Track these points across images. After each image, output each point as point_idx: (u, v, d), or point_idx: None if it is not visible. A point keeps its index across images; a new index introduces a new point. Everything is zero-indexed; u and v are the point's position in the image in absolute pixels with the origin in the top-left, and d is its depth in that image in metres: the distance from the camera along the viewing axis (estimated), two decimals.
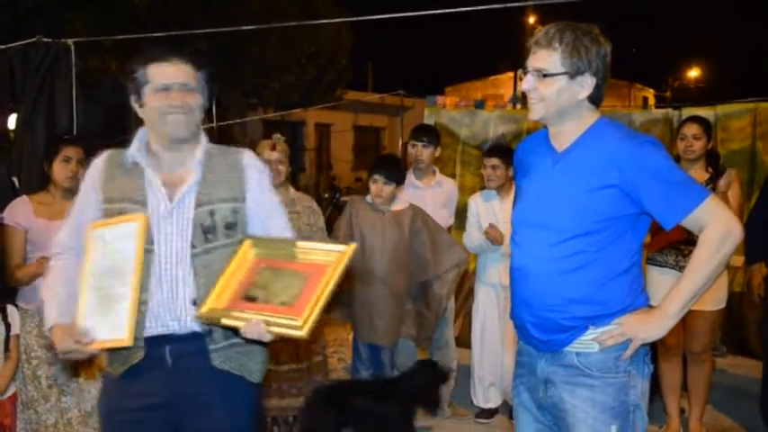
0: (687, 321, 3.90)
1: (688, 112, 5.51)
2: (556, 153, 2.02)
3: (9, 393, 3.18)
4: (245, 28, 5.41)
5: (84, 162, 3.27)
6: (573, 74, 1.92)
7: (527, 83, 1.99)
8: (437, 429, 4.22)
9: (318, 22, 8.06)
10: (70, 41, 3.75)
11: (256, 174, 2.15)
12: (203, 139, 2.14)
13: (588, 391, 1.94)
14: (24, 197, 3.26)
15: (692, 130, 3.81)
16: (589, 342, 1.94)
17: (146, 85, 2.05)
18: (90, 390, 3.26)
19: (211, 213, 2.05)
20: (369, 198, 3.90)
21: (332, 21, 8.29)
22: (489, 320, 4.29)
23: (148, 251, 2.00)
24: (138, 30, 7.73)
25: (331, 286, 1.84)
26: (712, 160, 3.84)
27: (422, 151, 4.26)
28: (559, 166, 1.98)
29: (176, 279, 2.03)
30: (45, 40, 3.69)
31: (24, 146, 3.57)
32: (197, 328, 2.02)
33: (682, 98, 23.51)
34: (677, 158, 3.94)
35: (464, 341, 4.68)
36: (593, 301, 1.93)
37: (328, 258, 1.91)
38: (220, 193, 2.08)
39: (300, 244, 2.01)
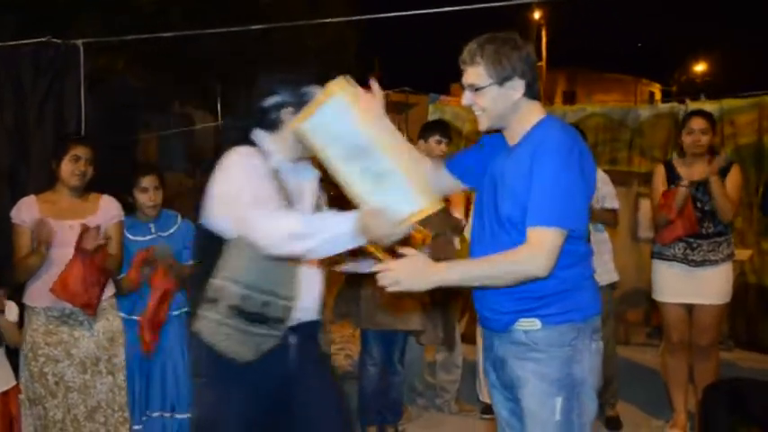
0: (694, 316, 3.91)
1: (693, 106, 5.50)
2: (509, 147, 2.16)
3: (12, 384, 3.21)
4: (250, 27, 5.40)
5: (93, 161, 3.30)
6: (500, 81, 2.05)
7: (465, 99, 2.13)
8: (444, 425, 4.24)
9: (325, 20, 8.07)
10: (80, 42, 3.75)
11: None
12: None
13: (536, 365, 2.08)
14: (31, 196, 3.28)
15: (699, 124, 3.81)
16: (533, 320, 2.08)
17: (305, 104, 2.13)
18: (96, 385, 3.28)
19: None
20: None
21: (338, 19, 8.29)
22: None
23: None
24: (144, 29, 7.74)
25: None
26: (714, 155, 3.82)
27: (446, 149, 4.24)
28: (509, 160, 2.12)
29: (311, 272, 2.26)
30: (55, 40, 3.70)
31: (33, 146, 3.59)
32: (317, 316, 2.31)
33: (688, 93, 23.40)
34: (682, 152, 3.95)
35: (470, 337, 4.70)
36: (533, 286, 2.04)
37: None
38: None
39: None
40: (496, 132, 2.20)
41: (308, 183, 2.33)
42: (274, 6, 10.61)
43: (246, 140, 2.21)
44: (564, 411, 2.07)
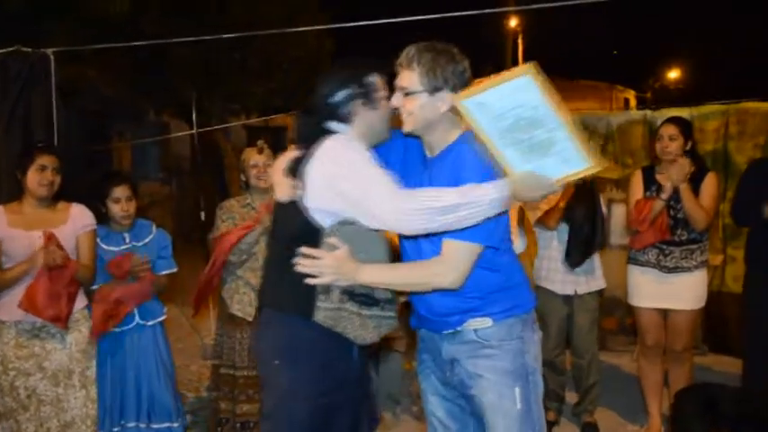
0: (668, 320, 3.94)
1: (665, 113, 5.56)
2: (426, 159, 2.24)
3: None
4: (224, 36, 5.38)
5: (60, 170, 3.25)
6: (431, 91, 2.13)
7: (395, 100, 2.20)
8: None
9: (297, 29, 8.05)
10: (50, 51, 3.70)
11: None
12: None
13: (489, 360, 2.17)
14: (0, 207, 3.24)
15: (668, 130, 3.82)
16: (484, 319, 2.16)
17: (376, 91, 2.22)
18: (69, 399, 3.23)
19: None
20: None
21: (309, 28, 8.27)
22: None
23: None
24: (118, 37, 7.68)
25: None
26: (694, 161, 3.81)
27: None
28: (427, 172, 2.20)
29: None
30: (24, 49, 3.65)
31: (3, 156, 3.53)
32: None
33: (662, 99, 23.71)
34: (656, 159, 3.98)
35: None
36: (478, 285, 2.13)
37: None
38: None
39: None
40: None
41: None
42: (249, 15, 10.60)
43: (325, 133, 2.18)
44: (524, 400, 2.16)
